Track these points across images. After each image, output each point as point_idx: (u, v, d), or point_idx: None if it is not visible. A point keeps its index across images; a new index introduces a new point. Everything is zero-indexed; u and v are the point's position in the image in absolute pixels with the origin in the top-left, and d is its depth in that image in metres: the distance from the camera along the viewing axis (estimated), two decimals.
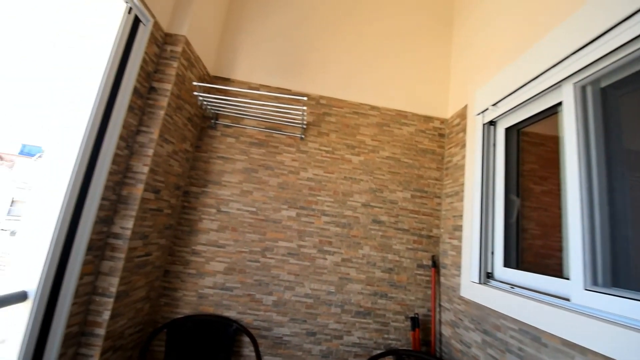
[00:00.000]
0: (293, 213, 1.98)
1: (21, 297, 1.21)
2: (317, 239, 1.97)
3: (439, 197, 2.11)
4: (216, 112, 2.03)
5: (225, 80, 2.10)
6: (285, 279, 1.89)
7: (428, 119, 2.22)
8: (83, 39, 1.35)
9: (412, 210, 2.08)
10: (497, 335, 1.35)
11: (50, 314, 1.21)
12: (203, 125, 2.02)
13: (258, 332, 1.80)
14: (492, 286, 1.45)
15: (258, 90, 2.08)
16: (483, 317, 1.47)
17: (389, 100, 2.22)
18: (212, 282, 1.83)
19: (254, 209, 1.95)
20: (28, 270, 1.22)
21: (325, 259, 1.96)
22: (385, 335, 1.90)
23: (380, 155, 2.13)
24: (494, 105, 1.61)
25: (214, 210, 1.92)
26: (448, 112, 2.24)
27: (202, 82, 1.94)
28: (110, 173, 1.37)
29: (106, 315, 1.33)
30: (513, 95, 1.49)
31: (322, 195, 2.03)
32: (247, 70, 2.14)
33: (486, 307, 1.45)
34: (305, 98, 1.79)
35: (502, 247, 1.49)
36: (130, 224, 1.41)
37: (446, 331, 1.79)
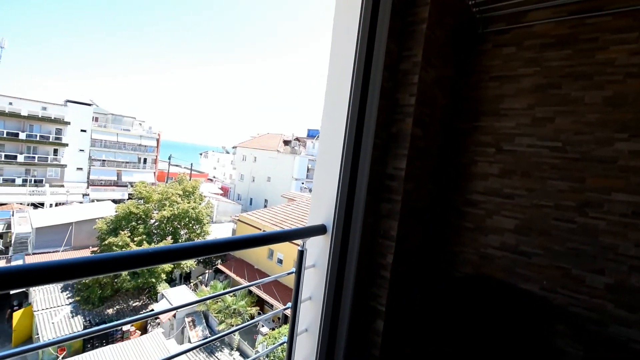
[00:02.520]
0: None
1: (322, 229, 1.37)
2: None
3: None
4: (485, 16, 1.48)
5: None
6: (630, 254, 1.15)
7: None
8: None
9: None
10: None
11: (345, 248, 1.28)
12: (467, 41, 1.55)
13: (580, 324, 1.22)
14: None
15: None
16: None
17: None
18: (499, 242, 1.41)
19: (558, 144, 1.30)
20: (325, 209, 1.35)
21: None
22: None
23: None
24: None
25: (492, 150, 1.45)
26: None
27: None
28: (379, 110, 1.24)
29: (389, 258, 1.26)
30: None
31: None
32: None
33: None
34: None
35: None
36: (403, 163, 1.25)
37: None
